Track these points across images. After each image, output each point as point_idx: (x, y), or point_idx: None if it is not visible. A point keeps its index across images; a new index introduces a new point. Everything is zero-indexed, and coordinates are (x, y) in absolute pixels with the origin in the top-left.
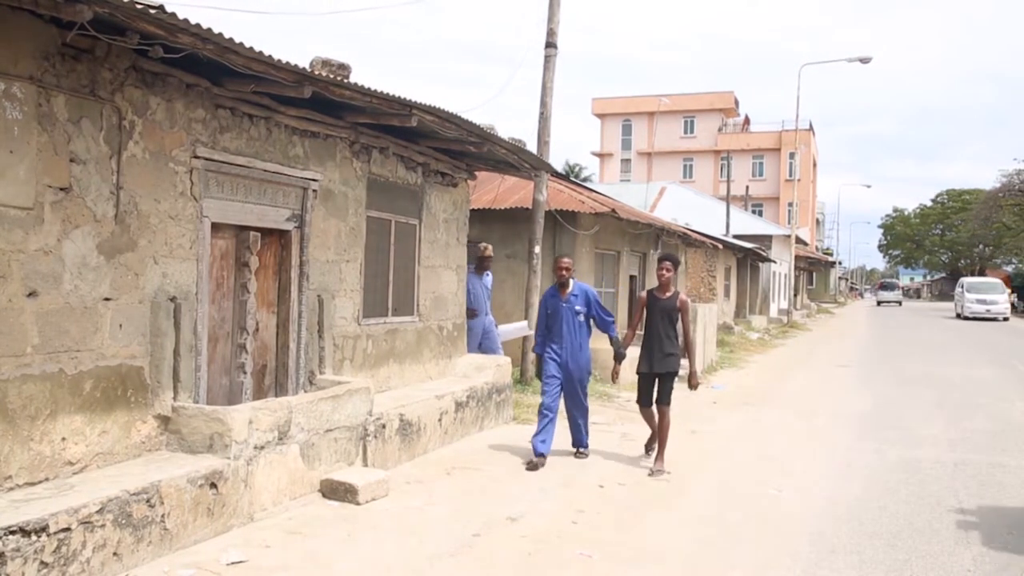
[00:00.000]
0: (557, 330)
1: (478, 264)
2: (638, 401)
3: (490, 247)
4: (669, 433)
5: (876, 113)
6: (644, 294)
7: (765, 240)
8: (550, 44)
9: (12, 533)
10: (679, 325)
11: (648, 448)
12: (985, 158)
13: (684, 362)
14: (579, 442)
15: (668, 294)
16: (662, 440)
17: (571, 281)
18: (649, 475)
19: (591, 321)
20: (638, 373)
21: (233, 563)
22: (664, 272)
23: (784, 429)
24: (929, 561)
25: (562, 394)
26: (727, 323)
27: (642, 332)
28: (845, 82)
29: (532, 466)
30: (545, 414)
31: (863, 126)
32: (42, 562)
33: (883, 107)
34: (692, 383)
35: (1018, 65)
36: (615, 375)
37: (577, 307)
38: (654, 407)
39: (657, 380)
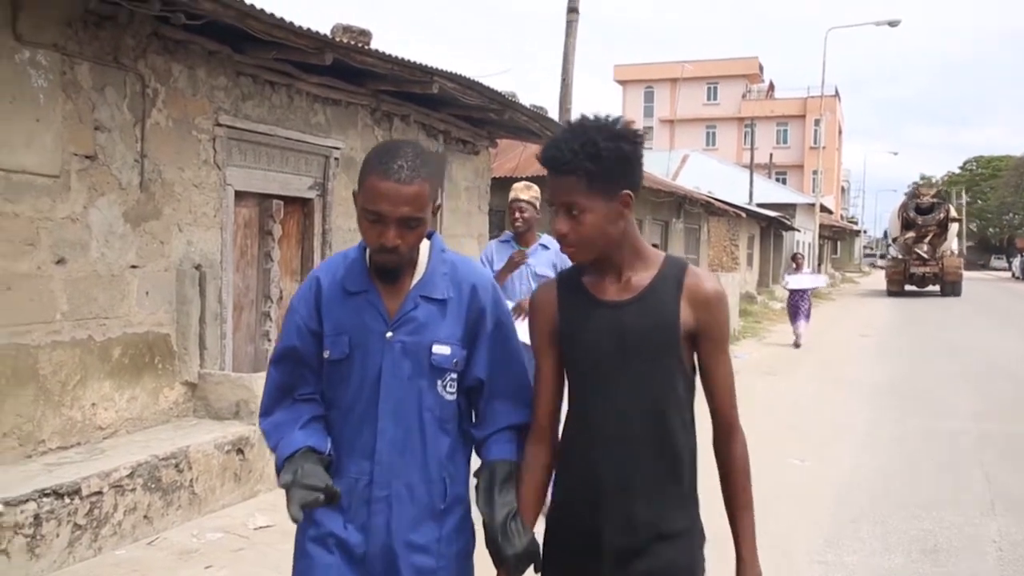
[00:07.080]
0: (354, 424)
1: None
2: None
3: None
4: None
5: (905, 76)
6: (550, 288)
7: (789, 209)
8: (572, 9)
9: (47, 496)
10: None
11: None
12: (1018, 123)
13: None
14: None
15: (633, 279)
16: None
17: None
18: None
19: (467, 399)
20: None
21: (260, 527)
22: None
23: (806, 398)
24: (954, 532)
25: None
26: (749, 292)
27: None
28: (873, 45)
29: None
30: None
31: (891, 90)
32: (76, 524)
33: (912, 70)
34: None
35: None
36: None
37: (443, 349)
38: None
39: None
